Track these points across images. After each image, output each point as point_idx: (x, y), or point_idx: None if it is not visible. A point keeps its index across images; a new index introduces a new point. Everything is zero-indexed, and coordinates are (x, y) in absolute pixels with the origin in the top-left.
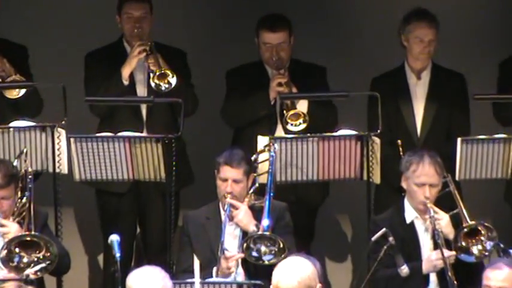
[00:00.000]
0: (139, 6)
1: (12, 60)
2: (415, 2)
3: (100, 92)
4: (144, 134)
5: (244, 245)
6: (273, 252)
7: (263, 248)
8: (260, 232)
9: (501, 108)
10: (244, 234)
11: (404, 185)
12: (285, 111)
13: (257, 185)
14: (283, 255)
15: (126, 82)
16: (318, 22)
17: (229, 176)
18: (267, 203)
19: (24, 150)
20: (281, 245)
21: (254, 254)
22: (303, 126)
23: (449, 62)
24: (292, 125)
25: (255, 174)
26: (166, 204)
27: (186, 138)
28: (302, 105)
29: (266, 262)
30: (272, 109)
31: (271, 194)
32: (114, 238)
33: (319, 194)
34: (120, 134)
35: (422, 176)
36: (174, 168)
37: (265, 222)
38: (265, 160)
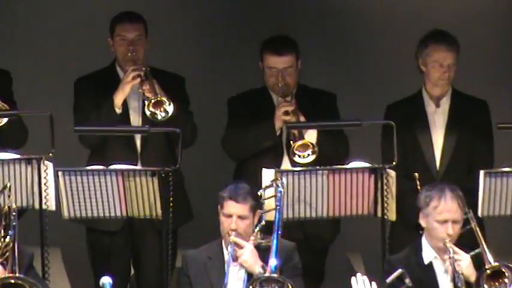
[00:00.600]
0: (133, 28)
1: None
2: (433, 24)
3: (90, 121)
4: (138, 166)
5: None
6: None
7: None
8: (267, 274)
9: None
10: (250, 276)
11: (422, 222)
12: (292, 142)
13: (263, 222)
14: None
15: (118, 110)
16: (326, 44)
17: (234, 212)
18: (275, 241)
19: (8, 185)
20: None
21: None
22: (312, 157)
23: (470, 88)
24: (300, 156)
25: (261, 211)
26: (163, 243)
27: (185, 171)
28: (310, 135)
29: None
30: (277, 140)
31: (279, 232)
32: (106, 280)
33: (329, 231)
34: (112, 166)
35: (444, 212)
36: (171, 204)
37: (273, 262)
38: (272, 196)
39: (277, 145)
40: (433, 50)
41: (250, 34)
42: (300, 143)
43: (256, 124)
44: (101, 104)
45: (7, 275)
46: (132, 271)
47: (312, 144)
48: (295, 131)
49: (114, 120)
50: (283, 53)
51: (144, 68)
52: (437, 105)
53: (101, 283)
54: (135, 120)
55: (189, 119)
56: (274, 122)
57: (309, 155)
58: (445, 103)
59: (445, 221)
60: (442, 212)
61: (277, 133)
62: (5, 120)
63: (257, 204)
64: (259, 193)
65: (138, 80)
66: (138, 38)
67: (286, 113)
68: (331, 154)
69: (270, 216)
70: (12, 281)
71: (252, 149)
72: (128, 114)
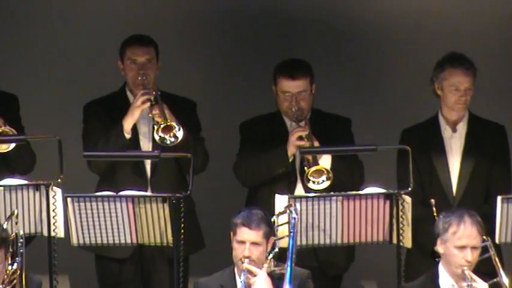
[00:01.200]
0: (144, 51)
1: (1, 111)
2: (450, 47)
3: (99, 146)
4: (148, 193)
5: None
6: None
7: None
8: None
9: None
10: None
11: (440, 249)
12: (306, 168)
13: (277, 249)
14: None
15: (128, 135)
16: (340, 68)
17: (247, 239)
18: (289, 269)
19: (15, 212)
20: None
21: None
22: (327, 184)
23: (487, 112)
24: (314, 182)
25: (275, 238)
26: (174, 271)
27: (196, 198)
28: (325, 161)
29: None
30: (290, 167)
31: (293, 260)
32: None
33: (343, 259)
34: (122, 193)
35: (463, 237)
36: (182, 231)
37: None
38: (286, 222)
39: (289, 172)
40: (450, 73)
41: (261, 58)
42: (314, 168)
43: (268, 150)
44: (110, 129)
45: None
46: None
47: (326, 170)
48: (310, 157)
49: (124, 145)
50: (297, 77)
51: (154, 92)
52: (454, 130)
53: None
54: (145, 145)
55: (200, 145)
56: (287, 148)
57: (323, 181)
58: (462, 128)
59: (464, 247)
60: (461, 238)
61: (290, 159)
62: (12, 145)
63: (271, 230)
64: (272, 219)
65: (148, 104)
66: (148, 62)
67: (300, 138)
68: (346, 180)
69: (284, 243)
70: None
71: (264, 176)
72: (138, 140)
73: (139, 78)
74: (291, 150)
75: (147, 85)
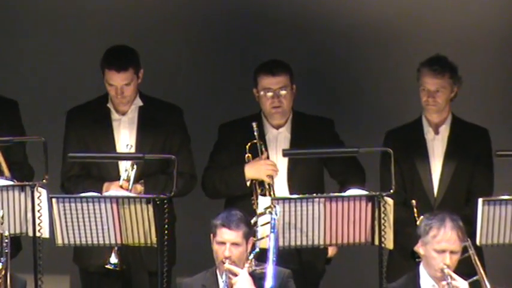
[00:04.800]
0: (121, 78)
1: (2, 116)
2: (435, 51)
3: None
4: (132, 194)
5: None
6: None
7: None
8: None
9: None
10: None
11: (421, 250)
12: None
13: (257, 249)
14: None
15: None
16: (323, 72)
17: (227, 239)
18: (271, 266)
19: (1, 212)
20: None
21: None
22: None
23: (471, 115)
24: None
25: (255, 239)
26: (155, 282)
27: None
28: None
29: None
30: (247, 191)
31: (274, 259)
32: None
33: (324, 260)
34: (106, 193)
35: (443, 241)
36: (165, 232)
37: (269, 284)
38: (266, 223)
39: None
40: (423, 74)
41: (243, 60)
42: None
43: (228, 168)
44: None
45: None
46: None
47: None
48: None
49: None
50: (277, 73)
51: None
52: (437, 132)
53: None
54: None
55: (187, 164)
56: (245, 171)
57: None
58: (445, 130)
59: (443, 251)
60: (440, 242)
61: (248, 183)
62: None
63: (250, 231)
64: (253, 220)
65: None
66: (126, 85)
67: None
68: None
69: (264, 244)
70: None
71: (225, 195)
72: None
73: (118, 97)
74: (254, 174)
75: (126, 103)
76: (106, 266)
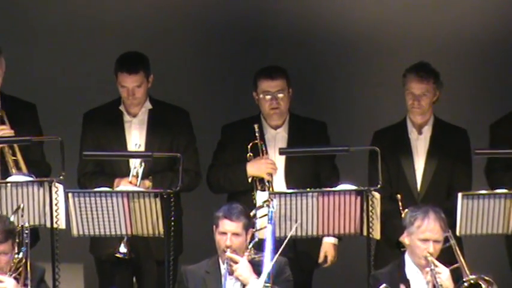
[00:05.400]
0: (132, 80)
1: (21, 118)
2: (418, 54)
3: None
4: (142, 188)
5: None
6: None
7: None
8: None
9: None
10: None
11: (406, 240)
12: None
13: (256, 239)
14: None
15: None
16: (316, 74)
17: (229, 229)
18: (269, 254)
19: (21, 206)
20: None
21: None
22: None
23: (451, 116)
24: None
25: (254, 230)
26: (162, 271)
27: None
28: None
29: None
30: (249, 187)
31: (272, 248)
32: None
33: (318, 250)
34: (117, 188)
35: (427, 231)
36: (172, 224)
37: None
38: (264, 215)
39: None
40: (408, 79)
41: (241, 65)
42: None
43: (232, 166)
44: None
45: None
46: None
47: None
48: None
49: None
50: (275, 77)
51: None
52: (420, 133)
53: None
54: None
55: (192, 162)
56: (246, 169)
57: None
58: (427, 131)
59: (427, 240)
60: (424, 232)
61: (249, 180)
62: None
63: (249, 222)
64: (252, 213)
65: None
66: (137, 87)
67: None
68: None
69: (262, 234)
70: None
71: (228, 191)
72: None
73: (129, 98)
74: (255, 172)
75: (137, 105)
76: (116, 255)
